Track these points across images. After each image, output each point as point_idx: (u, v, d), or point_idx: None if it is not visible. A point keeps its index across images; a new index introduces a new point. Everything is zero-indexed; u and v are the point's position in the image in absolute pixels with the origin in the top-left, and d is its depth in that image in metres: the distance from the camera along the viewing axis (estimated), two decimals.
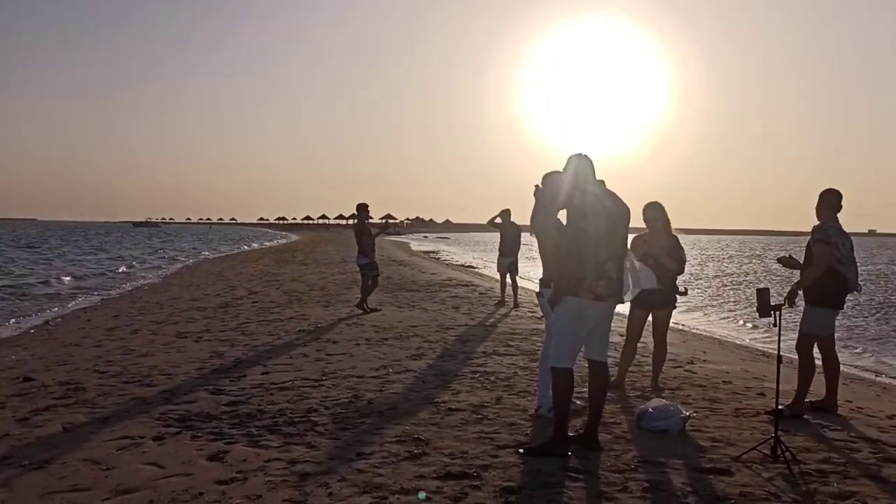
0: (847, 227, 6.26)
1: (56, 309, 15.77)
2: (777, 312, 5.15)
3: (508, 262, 14.74)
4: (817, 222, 6.18)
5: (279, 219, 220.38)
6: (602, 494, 4.32)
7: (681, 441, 5.41)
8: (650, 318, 7.12)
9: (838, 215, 6.18)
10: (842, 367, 6.78)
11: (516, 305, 14.27)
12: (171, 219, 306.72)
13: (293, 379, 7.37)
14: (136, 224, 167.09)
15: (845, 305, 6.42)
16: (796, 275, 6.43)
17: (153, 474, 4.62)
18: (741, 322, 16.35)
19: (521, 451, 5.06)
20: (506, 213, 14.67)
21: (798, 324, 6.40)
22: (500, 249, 14.87)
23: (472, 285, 19.74)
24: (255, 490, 4.32)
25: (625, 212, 5.23)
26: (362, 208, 13.62)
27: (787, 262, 6.58)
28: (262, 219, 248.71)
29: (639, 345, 7.19)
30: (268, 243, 62.29)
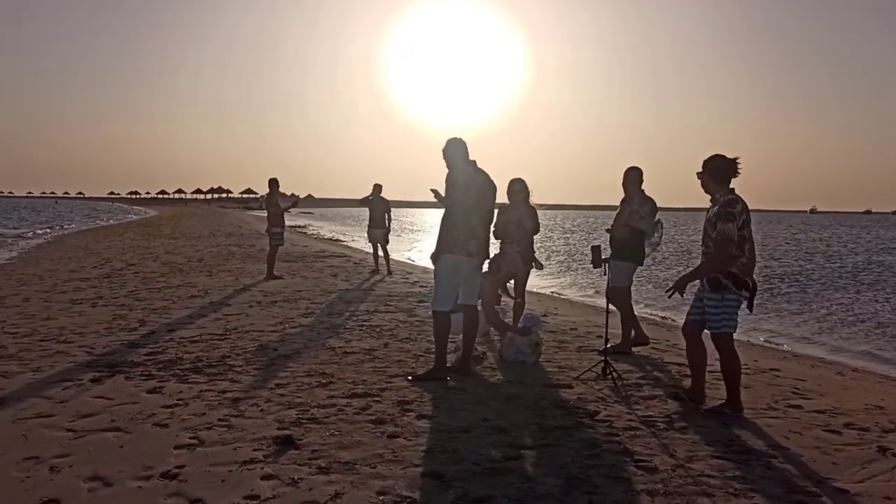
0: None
1: None
2: (606, 264, 6.62)
3: (378, 234, 15.92)
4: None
5: (131, 192, 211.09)
6: (476, 402, 5.63)
7: (535, 368, 6.83)
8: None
9: (643, 188, 7.70)
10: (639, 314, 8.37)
11: (389, 272, 15.50)
12: (11, 192, 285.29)
13: (200, 334, 8.26)
14: None
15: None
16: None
17: (105, 404, 5.50)
18: (591, 285, 18.31)
19: (409, 378, 6.30)
20: (377, 188, 15.85)
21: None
22: (370, 222, 16.01)
23: (346, 256, 20.81)
24: (199, 410, 5.32)
25: (492, 185, 6.53)
26: (273, 183, 14.43)
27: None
28: (112, 192, 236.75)
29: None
30: (127, 218, 60.21)
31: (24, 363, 6.83)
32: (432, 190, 7.15)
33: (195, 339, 7.99)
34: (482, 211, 6.40)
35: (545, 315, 10.35)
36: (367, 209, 16.12)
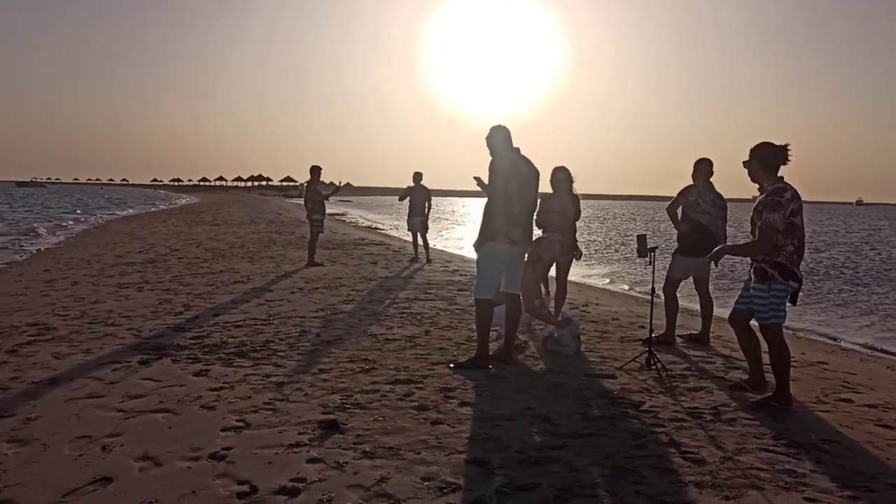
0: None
1: None
2: (652, 254, 6.53)
3: (418, 222, 15.92)
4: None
5: (174, 180, 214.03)
6: (518, 390, 5.61)
7: (577, 358, 6.78)
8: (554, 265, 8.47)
9: (711, 180, 7.55)
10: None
11: (429, 261, 15.51)
12: (58, 179, 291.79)
13: (243, 319, 8.37)
14: (20, 184, 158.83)
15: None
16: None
17: (153, 385, 5.60)
18: (630, 276, 18.14)
19: (451, 365, 6.30)
20: (417, 176, 15.85)
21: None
22: (409, 210, 16.00)
23: (385, 244, 20.90)
24: (244, 393, 5.39)
25: (535, 173, 6.48)
26: (314, 170, 14.53)
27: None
28: (155, 180, 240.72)
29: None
30: (170, 205, 61.18)
31: (75, 345, 6.98)
32: (475, 178, 7.13)
33: (239, 323, 8.09)
34: (526, 199, 6.36)
35: (586, 305, 10.29)
36: (401, 200, 16.13)
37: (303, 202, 15.30)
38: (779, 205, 5.19)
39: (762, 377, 5.70)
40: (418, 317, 8.72)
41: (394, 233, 30.98)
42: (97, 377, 5.82)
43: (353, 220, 43.47)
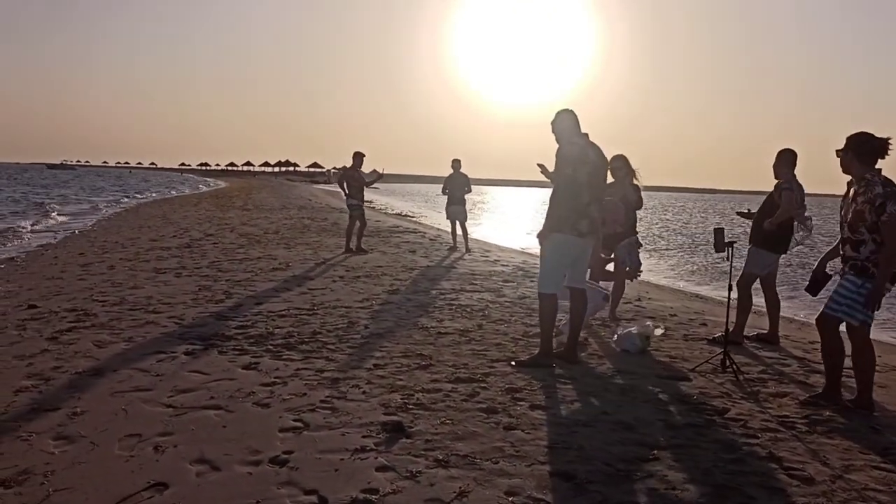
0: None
1: (15, 244, 15.82)
2: (730, 248, 6.11)
3: (456, 210, 15.50)
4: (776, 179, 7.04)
5: (201, 164, 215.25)
6: (589, 393, 5.23)
7: (645, 358, 6.38)
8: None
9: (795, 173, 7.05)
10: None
11: (468, 250, 15.12)
12: (87, 161, 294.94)
13: (287, 308, 8.05)
14: (51, 166, 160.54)
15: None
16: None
17: (202, 379, 5.30)
18: (675, 271, 17.65)
19: (512, 363, 5.93)
20: (456, 163, 15.42)
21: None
22: (448, 198, 15.56)
23: (420, 232, 20.55)
24: (298, 390, 5.06)
25: (604, 161, 6.08)
26: (357, 156, 14.28)
27: (745, 214, 7.44)
28: (183, 164, 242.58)
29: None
30: (198, 189, 61.31)
31: (116, 332, 6.71)
32: (538, 164, 6.73)
33: (283, 313, 7.78)
34: (595, 188, 5.95)
35: (639, 299, 9.87)
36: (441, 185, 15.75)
37: (338, 183, 15.02)
38: None
39: (839, 388, 5.21)
40: (468, 309, 8.35)
41: (425, 220, 30.59)
42: (142, 368, 5.53)
43: (381, 207, 43.19)
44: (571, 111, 6.06)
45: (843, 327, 5.09)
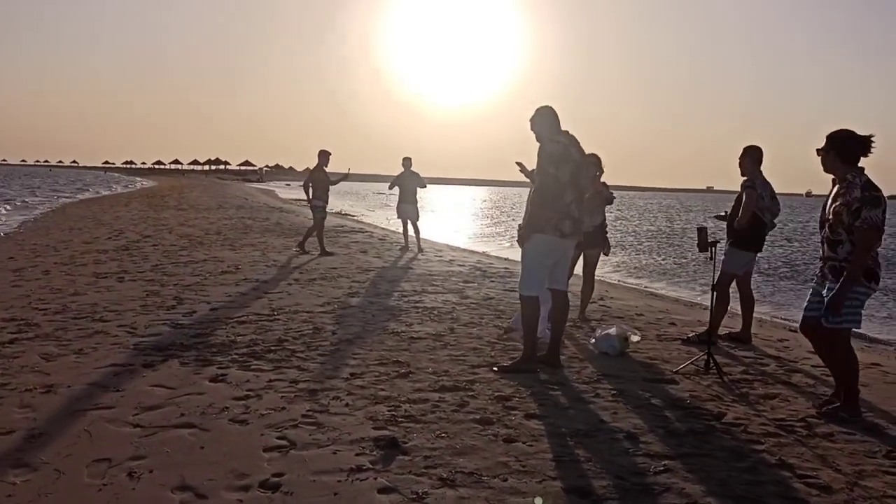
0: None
1: None
2: (713, 248, 6.01)
3: (408, 209, 15.20)
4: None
5: (126, 162, 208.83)
6: (581, 399, 5.04)
7: (625, 360, 6.24)
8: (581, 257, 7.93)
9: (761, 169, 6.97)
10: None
11: (420, 250, 14.85)
12: (5, 160, 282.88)
13: (246, 314, 7.65)
14: None
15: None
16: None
17: (167, 394, 4.90)
18: (628, 269, 17.73)
19: (494, 369, 5.70)
20: (406, 162, 15.12)
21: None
22: (400, 197, 15.24)
23: (366, 231, 20.18)
24: (276, 403, 4.72)
25: (587, 159, 5.91)
26: (323, 154, 13.87)
27: (721, 217, 7.30)
28: (107, 162, 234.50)
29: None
30: (124, 188, 59.20)
31: (63, 344, 6.22)
32: (517, 163, 6.52)
33: (242, 319, 7.38)
34: (578, 187, 5.77)
35: (602, 299, 9.76)
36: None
37: (302, 186, 14.55)
38: (879, 201, 4.66)
39: (857, 392, 5.09)
40: (434, 312, 8.09)
41: (366, 219, 30.16)
42: (99, 384, 5.09)
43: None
44: (551, 107, 5.87)
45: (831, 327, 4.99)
